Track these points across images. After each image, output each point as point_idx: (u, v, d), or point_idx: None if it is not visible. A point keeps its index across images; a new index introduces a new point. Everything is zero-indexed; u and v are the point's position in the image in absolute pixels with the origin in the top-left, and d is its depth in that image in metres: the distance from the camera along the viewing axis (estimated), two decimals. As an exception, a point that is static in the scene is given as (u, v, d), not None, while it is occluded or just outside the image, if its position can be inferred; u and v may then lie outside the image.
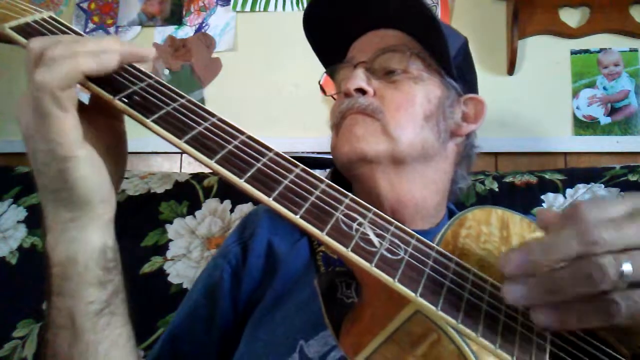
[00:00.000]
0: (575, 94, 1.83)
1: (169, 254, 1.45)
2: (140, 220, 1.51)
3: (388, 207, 0.99)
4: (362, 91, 0.98)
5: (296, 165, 0.62)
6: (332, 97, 1.14)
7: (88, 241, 0.65)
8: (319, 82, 1.15)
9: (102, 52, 0.61)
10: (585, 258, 0.49)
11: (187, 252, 1.45)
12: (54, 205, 0.64)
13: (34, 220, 1.55)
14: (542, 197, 1.40)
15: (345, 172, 1.02)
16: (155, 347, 1.01)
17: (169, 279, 1.41)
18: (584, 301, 0.50)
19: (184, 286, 1.39)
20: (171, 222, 1.50)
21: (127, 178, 1.63)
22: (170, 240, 1.48)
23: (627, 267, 0.47)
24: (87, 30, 2.22)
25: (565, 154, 1.79)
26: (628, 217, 0.51)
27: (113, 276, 0.68)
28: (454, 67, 1.01)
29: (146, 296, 1.38)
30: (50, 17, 0.73)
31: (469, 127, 1.07)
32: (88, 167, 0.62)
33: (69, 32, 0.72)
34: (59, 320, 0.65)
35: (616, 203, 0.52)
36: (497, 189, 1.44)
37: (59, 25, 0.72)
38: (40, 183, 0.63)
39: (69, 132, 0.59)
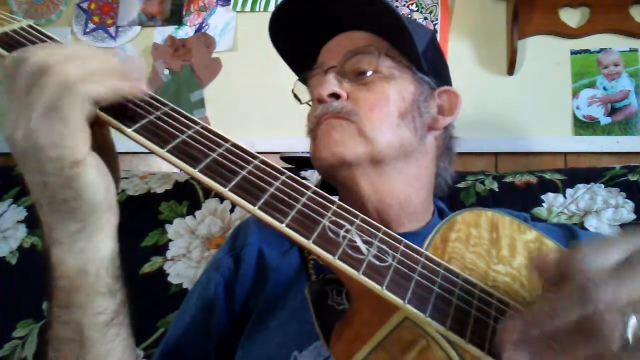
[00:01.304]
0: (575, 94, 1.82)
1: (169, 254, 1.45)
2: (140, 220, 1.51)
3: (372, 209, 0.98)
4: (335, 96, 0.98)
5: (282, 173, 0.62)
6: (308, 104, 1.13)
7: (98, 250, 0.64)
8: (292, 91, 1.14)
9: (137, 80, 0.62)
10: (591, 319, 0.46)
11: (187, 252, 1.45)
12: (60, 218, 0.62)
13: (34, 220, 1.55)
14: (542, 197, 1.39)
15: (327, 177, 1.01)
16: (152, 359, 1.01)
17: (169, 279, 1.41)
18: None
19: (184, 286, 1.40)
20: (171, 222, 1.50)
21: (127, 178, 1.63)
22: (170, 240, 1.48)
23: (633, 324, 0.45)
24: (87, 30, 2.22)
25: (565, 154, 1.79)
26: (628, 265, 0.48)
27: (121, 285, 0.67)
28: (425, 61, 1.00)
29: (146, 296, 1.38)
30: (29, 26, 0.72)
31: (445, 119, 1.06)
32: (95, 172, 0.60)
33: (48, 40, 0.70)
34: (66, 334, 0.64)
35: (612, 248, 0.50)
36: (497, 189, 1.44)
37: (37, 34, 0.71)
38: (45, 196, 0.61)
39: (84, 139, 0.59)
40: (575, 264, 0.50)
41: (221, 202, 1.52)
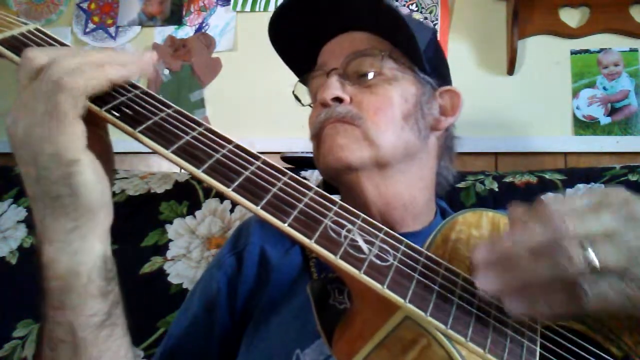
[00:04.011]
0: (575, 94, 1.83)
1: (169, 254, 1.45)
2: (140, 220, 1.51)
3: (376, 211, 0.98)
4: (338, 99, 0.97)
5: (284, 174, 0.62)
6: (310, 106, 1.12)
7: (91, 251, 0.63)
8: (293, 92, 1.13)
9: (126, 63, 0.63)
10: (552, 246, 0.51)
11: (187, 252, 1.45)
12: (54, 215, 0.61)
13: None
14: (542, 197, 1.39)
15: (331, 181, 1.01)
16: (153, 358, 1.01)
17: (169, 279, 1.41)
18: (553, 290, 0.52)
19: (184, 286, 1.40)
20: (171, 222, 1.50)
21: (127, 178, 1.63)
22: (170, 240, 1.48)
23: (591, 254, 0.49)
24: (87, 30, 2.22)
25: (565, 154, 1.79)
26: (591, 209, 0.53)
27: (113, 286, 0.66)
28: (426, 61, 1.00)
29: (146, 296, 1.38)
30: (36, 29, 0.73)
31: (447, 120, 1.06)
32: (91, 171, 0.61)
33: (56, 44, 0.71)
34: (59, 335, 0.63)
35: (580, 197, 0.55)
36: (497, 189, 1.44)
37: (45, 37, 0.72)
38: (39, 191, 0.61)
39: (79, 136, 0.59)
40: (544, 206, 0.54)
41: (221, 202, 1.52)
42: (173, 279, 1.41)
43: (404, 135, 0.96)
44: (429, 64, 1.01)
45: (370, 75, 0.98)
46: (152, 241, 1.48)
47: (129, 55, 0.66)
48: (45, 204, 0.61)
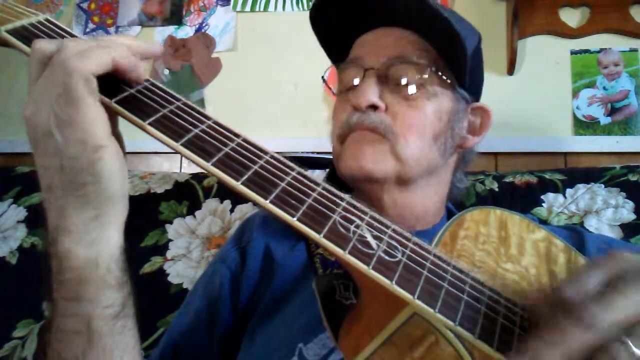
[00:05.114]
0: (575, 94, 1.83)
1: (169, 254, 1.45)
2: (140, 220, 1.51)
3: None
4: (373, 106, 0.92)
5: (293, 168, 0.62)
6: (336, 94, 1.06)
7: (109, 241, 0.63)
8: (323, 77, 1.09)
9: (130, 46, 0.64)
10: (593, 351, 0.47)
11: (187, 252, 1.45)
12: (76, 204, 0.61)
13: (34, 220, 1.55)
14: (542, 197, 1.40)
15: (348, 183, 0.98)
16: (155, 353, 1.00)
17: (169, 279, 1.41)
18: None
19: (184, 286, 1.40)
20: (171, 222, 1.51)
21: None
22: (170, 240, 1.48)
23: (632, 348, 0.46)
24: (87, 30, 2.22)
25: (565, 154, 1.79)
26: (612, 289, 0.49)
27: (127, 277, 0.66)
28: (468, 73, 0.94)
29: (146, 296, 1.38)
30: (47, 20, 0.72)
31: (473, 140, 1.02)
32: (116, 158, 0.61)
33: (66, 34, 0.71)
34: (72, 327, 0.63)
35: (591, 276, 0.51)
36: (497, 189, 1.44)
37: (55, 28, 0.71)
38: (62, 181, 0.60)
39: (102, 122, 0.59)
40: (568, 303, 0.50)
41: (221, 202, 1.52)
42: (173, 279, 1.41)
43: (430, 154, 0.94)
44: (470, 76, 0.96)
45: (412, 90, 0.93)
46: (152, 241, 1.48)
47: (135, 39, 0.66)
48: (68, 193, 0.61)
